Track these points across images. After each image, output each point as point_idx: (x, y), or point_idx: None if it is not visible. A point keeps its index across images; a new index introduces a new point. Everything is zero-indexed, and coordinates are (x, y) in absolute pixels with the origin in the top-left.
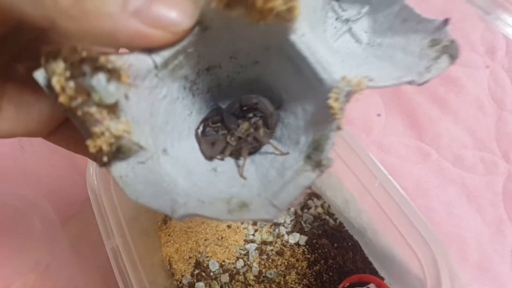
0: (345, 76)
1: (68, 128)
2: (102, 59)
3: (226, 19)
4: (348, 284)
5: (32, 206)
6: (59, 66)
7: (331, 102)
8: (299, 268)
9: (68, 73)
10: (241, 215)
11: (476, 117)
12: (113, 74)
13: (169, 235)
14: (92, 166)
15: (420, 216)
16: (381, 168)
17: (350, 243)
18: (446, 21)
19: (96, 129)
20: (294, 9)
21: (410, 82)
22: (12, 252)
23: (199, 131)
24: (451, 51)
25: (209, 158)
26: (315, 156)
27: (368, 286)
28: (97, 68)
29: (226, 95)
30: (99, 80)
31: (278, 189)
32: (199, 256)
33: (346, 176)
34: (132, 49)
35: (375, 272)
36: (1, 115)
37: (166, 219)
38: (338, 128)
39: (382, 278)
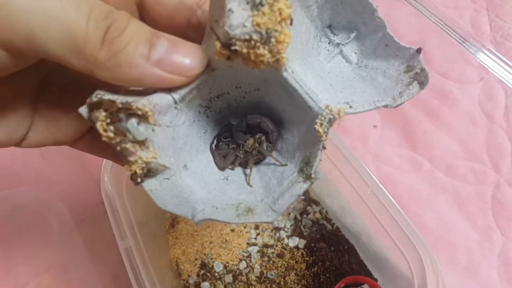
0: (328, 105)
1: (91, 137)
2: (134, 107)
3: (228, 64)
4: (343, 284)
5: (50, 208)
6: (101, 114)
7: (317, 126)
8: (298, 269)
9: (108, 120)
10: (247, 218)
11: (468, 130)
12: (142, 118)
13: (176, 238)
14: (106, 174)
15: (408, 221)
16: (374, 177)
17: (346, 247)
18: (419, 50)
19: (131, 158)
20: (281, 60)
21: (385, 106)
22: (29, 253)
23: (213, 145)
24: (421, 78)
25: (222, 168)
26: (306, 170)
27: (362, 286)
28: (130, 114)
29: (235, 113)
30: (132, 123)
31: (277, 196)
32: (204, 257)
33: (343, 184)
34: (155, 89)
35: (369, 274)
36: (33, 128)
37: (173, 223)
38: (324, 148)
39: (376, 280)
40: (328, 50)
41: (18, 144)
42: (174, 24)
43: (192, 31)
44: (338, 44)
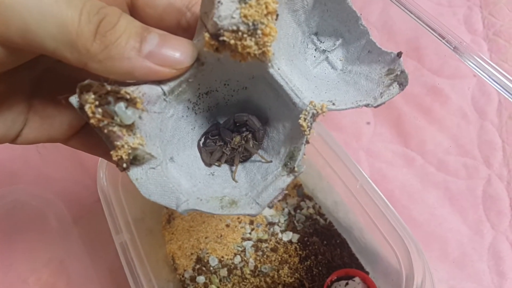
0: (312, 101)
1: (83, 135)
2: (122, 91)
3: (217, 57)
4: (335, 277)
5: (48, 205)
6: (90, 97)
7: (301, 121)
8: (292, 263)
9: (97, 102)
10: (230, 210)
11: (460, 126)
12: (130, 102)
13: (172, 234)
14: (102, 171)
15: (395, 214)
16: (363, 173)
17: (338, 241)
18: (399, 54)
19: (118, 143)
20: (266, 52)
21: (366, 105)
22: (28, 248)
23: (201, 142)
24: (400, 80)
25: (208, 165)
26: (290, 164)
27: (354, 279)
28: (119, 98)
29: (223, 112)
30: (120, 107)
31: (261, 190)
32: (200, 252)
33: (335, 180)
34: (145, 81)
35: (361, 267)
36: (28, 125)
37: (169, 219)
38: (307, 142)
39: (367, 273)
40: (314, 57)
41: (13, 140)
42: (164, 25)
43: (181, 32)
44: (324, 51)
